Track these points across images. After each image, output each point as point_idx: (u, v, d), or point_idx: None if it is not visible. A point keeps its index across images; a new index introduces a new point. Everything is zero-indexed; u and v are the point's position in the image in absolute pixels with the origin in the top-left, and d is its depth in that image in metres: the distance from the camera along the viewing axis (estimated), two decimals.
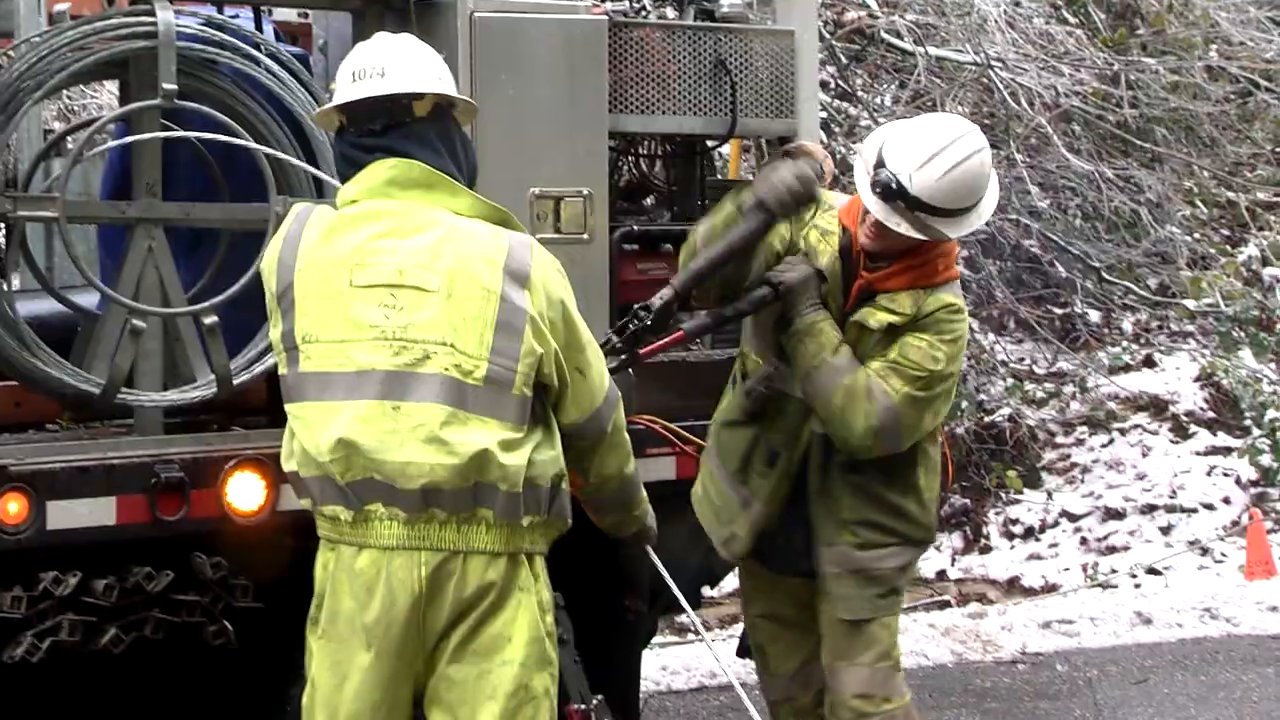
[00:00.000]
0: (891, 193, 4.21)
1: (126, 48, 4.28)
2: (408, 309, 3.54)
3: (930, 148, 4.22)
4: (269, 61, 4.42)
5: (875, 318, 4.32)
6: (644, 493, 4.05)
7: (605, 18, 4.76)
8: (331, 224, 3.62)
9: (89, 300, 4.69)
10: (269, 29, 4.85)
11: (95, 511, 4.09)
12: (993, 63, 11.60)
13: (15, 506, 3.99)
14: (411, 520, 3.54)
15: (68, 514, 4.06)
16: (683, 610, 7.02)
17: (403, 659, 3.58)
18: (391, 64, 3.66)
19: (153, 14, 4.27)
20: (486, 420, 3.55)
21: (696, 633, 8.50)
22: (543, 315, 3.61)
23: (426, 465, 3.51)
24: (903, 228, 4.22)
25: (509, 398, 3.57)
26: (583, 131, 4.59)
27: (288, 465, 3.62)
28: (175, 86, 4.25)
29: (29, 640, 4.06)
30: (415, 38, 3.80)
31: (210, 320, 4.33)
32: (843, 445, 4.33)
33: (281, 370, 3.63)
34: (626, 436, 3.89)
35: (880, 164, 4.24)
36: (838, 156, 11.10)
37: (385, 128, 3.63)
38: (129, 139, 4.35)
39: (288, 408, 3.60)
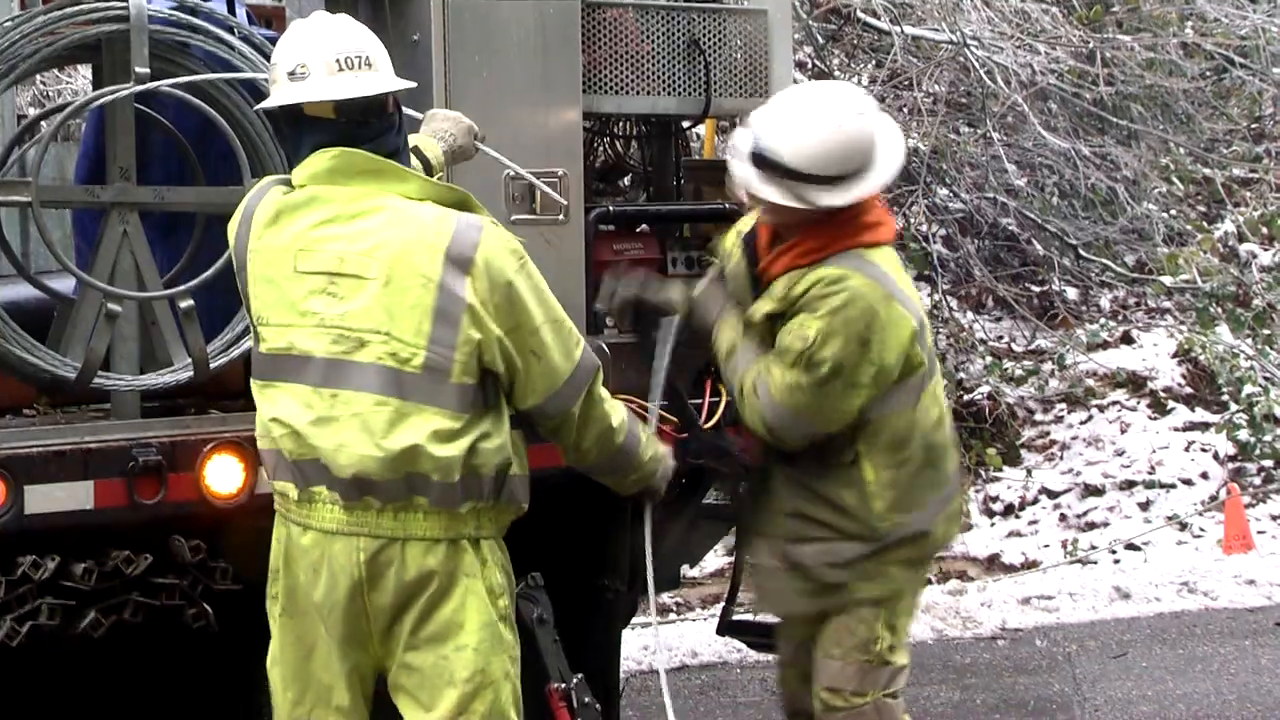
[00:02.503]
0: (761, 160, 4.13)
1: (98, 31, 4.27)
2: (346, 297, 3.56)
3: (801, 114, 4.13)
4: (241, 45, 4.42)
5: (758, 309, 4.27)
6: (642, 456, 3.98)
7: None
8: (278, 207, 3.64)
9: (65, 285, 4.68)
10: (241, 12, 4.84)
11: (73, 495, 4.09)
12: (969, 41, 11.61)
13: None
14: (349, 506, 3.58)
15: (45, 498, 4.06)
16: (663, 590, 7.07)
17: (353, 640, 3.65)
18: (373, 52, 3.68)
19: None
20: (424, 409, 3.56)
21: (676, 612, 8.53)
22: (484, 302, 3.58)
23: (356, 455, 3.55)
24: (774, 196, 4.13)
25: (448, 386, 3.57)
26: (557, 113, 4.59)
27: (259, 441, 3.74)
28: (148, 70, 4.24)
29: (8, 624, 4.06)
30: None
31: (186, 304, 4.33)
32: (771, 443, 4.32)
33: (252, 344, 3.78)
34: (606, 410, 3.84)
35: (757, 134, 4.16)
36: None
37: (379, 121, 3.65)
38: (145, 121, 4.35)
39: (251, 382, 3.73)
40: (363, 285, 3.57)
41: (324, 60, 3.61)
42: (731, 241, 4.48)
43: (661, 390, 4.49)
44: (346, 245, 3.58)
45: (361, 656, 3.68)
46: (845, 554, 4.32)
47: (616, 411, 3.88)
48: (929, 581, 9.25)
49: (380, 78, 3.66)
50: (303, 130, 3.65)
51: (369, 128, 3.64)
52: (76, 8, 4.25)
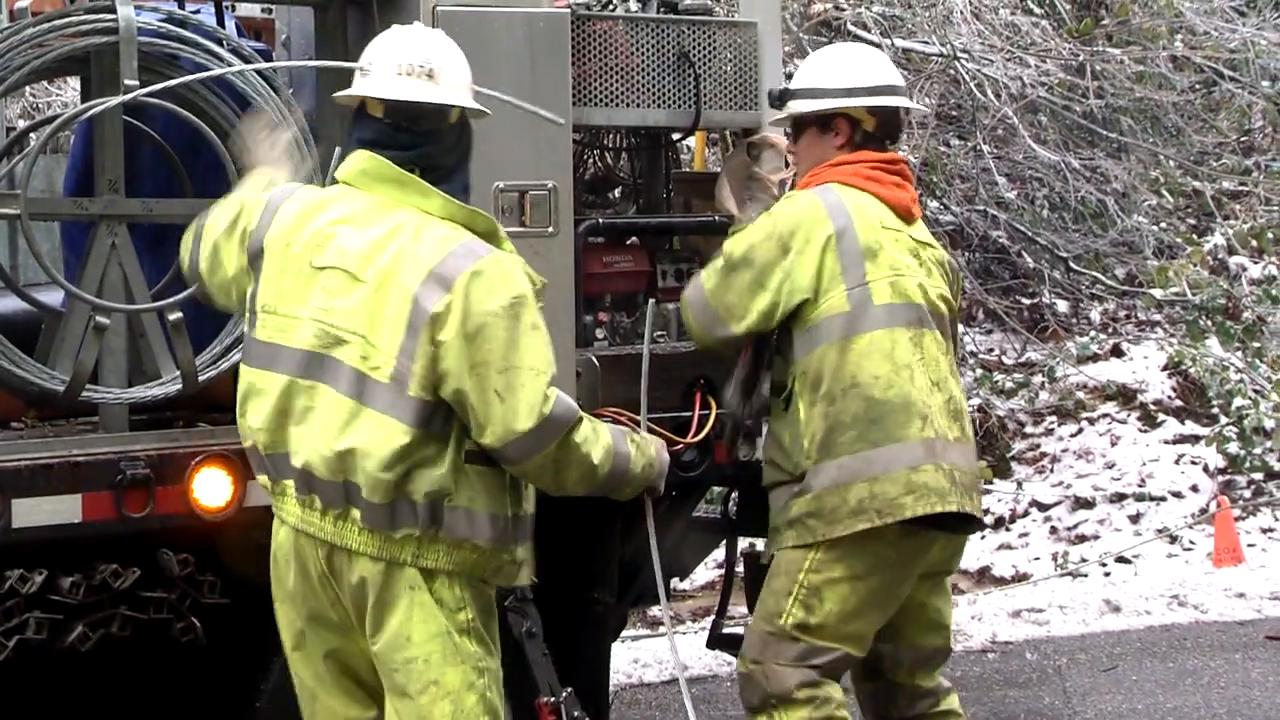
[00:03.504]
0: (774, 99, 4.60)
1: (87, 44, 4.25)
2: (338, 294, 3.68)
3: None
4: (231, 57, 4.40)
5: None
6: (633, 471, 3.99)
7: (568, 10, 4.75)
8: (308, 202, 3.79)
9: (53, 298, 4.67)
10: (231, 24, 4.83)
11: (61, 509, 4.08)
12: (959, 54, 11.64)
13: None
14: (302, 502, 3.71)
15: (33, 511, 4.04)
16: (654, 602, 7.06)
17: (331, 630, 3.78)
18: (441, 67, 3.80)
19: (113, 10, 4.24)
20: (378, 417, 3.63)
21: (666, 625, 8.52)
22: (452, 325, 3.61)
23: (309, 449, 3.67)
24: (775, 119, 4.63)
25: (406, 399, 3.62)
26: (546, 125, 4.58)
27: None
28: (137, 82, 4.23)
29: None
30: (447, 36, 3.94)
31: (175, 316, 4.32)
32: (694, 342, 4.57)
33: (245, 328, 3.86)
34: (586, 452, 3.81)
35: None
36: None
37: (426, 132, 3.77)
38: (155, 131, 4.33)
39: (241, 367, 3.85)
40: (354, 286, 3.67)
41: (390, 62, 3.77)
42: None
43: (647, 379, 4.54)
44: (350, 245, 3.69)
45: (341, 642, 3.79)
46: (786, 494, 4.43)
47: (598, 446, 3.85)
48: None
49: (434, 88, 3.76)
50: (355, 125, 3.83)
51: (410, 134, 3.75)
52: (65, 20, 4.23)
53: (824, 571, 4.37)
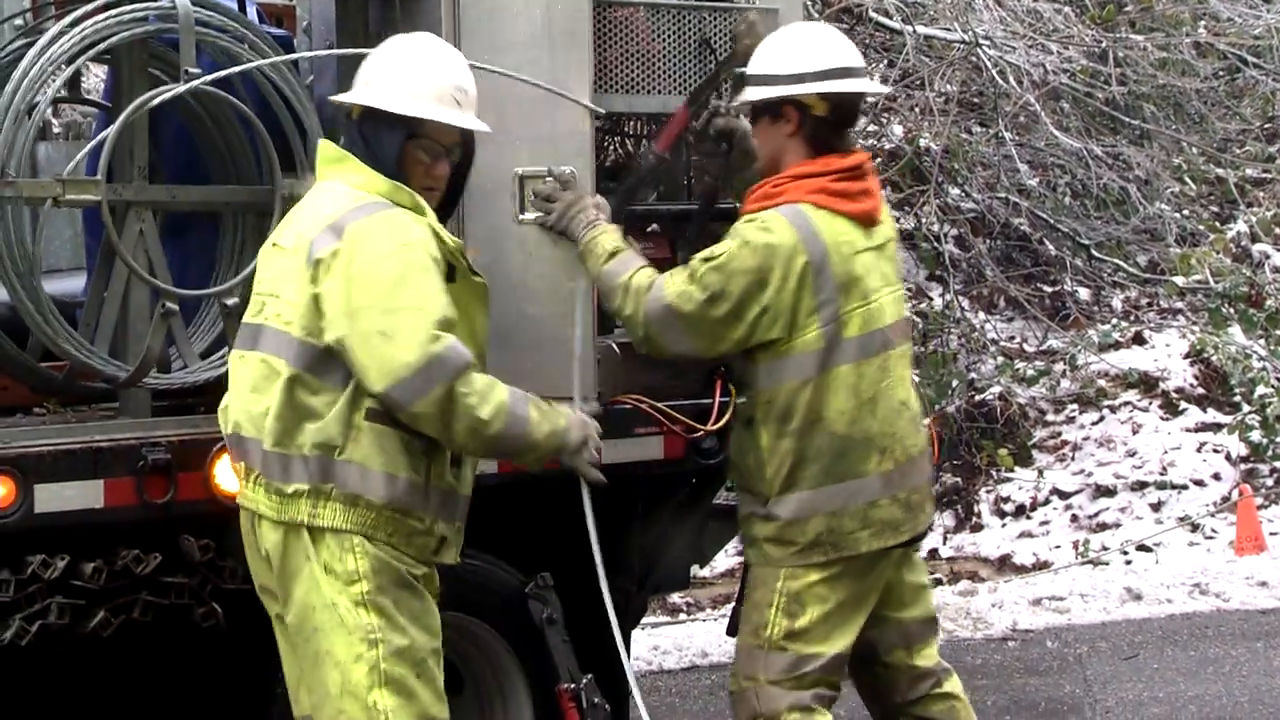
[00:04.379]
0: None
1: (143, 31, 4.29)
2: (266, 263, 3.93)
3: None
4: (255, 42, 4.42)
5: None
6: (533, 436, 3.90)
7: None
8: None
9: (76, 283, 4.70)
10: (252, 10, 4.84)
11: (83, 494, 4.10)
12: (981, 41, 11.59)
13: (2, 490, 4.00)
14: (237, 473, 3.91)
15: (55, 497, 4.06)
16: (673, 589, 7.07)
17: (271, 599, 3.94)
18: (375, 78, 4.03)
19: None
20: (284, 365, 3.76)
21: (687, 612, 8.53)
22: (340, 267, 3.72)
23: (237, 409, 3.84)
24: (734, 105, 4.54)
25: (295, 341, 3.75)
26: (566, 111, 4.57)
27: None
28: (199, 70, 4.28)
29: (17, 623, 4.06)
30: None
31: (232, 301, 4.36)
32: (636, 345, 4.42)
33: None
34: (472, 403, 3.76)
35: None
36: None
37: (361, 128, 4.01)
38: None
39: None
40: (278, 253, 3.89)
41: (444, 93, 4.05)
42: None
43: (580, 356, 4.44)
44: (290, 219, 3.95)
45: (279, 609, 3.93)
46: (748, 507, 4.47)
47: (489, 400, 3.79)
48: (940, 582, 9.24)
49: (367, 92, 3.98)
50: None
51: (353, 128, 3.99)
52: (121, 8, 4.25)
53: (801, 578, 4.38)
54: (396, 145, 3.90)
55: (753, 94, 4.44)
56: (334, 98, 4.10)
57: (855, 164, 4.45)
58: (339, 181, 3.89)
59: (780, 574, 4.39)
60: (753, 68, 4.46)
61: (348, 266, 3.72)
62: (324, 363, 3.76)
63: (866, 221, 4.44)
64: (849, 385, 4.34)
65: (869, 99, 4.83)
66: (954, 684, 4.66)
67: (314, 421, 3.75)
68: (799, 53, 4.41)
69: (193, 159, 4.61)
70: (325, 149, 4.00)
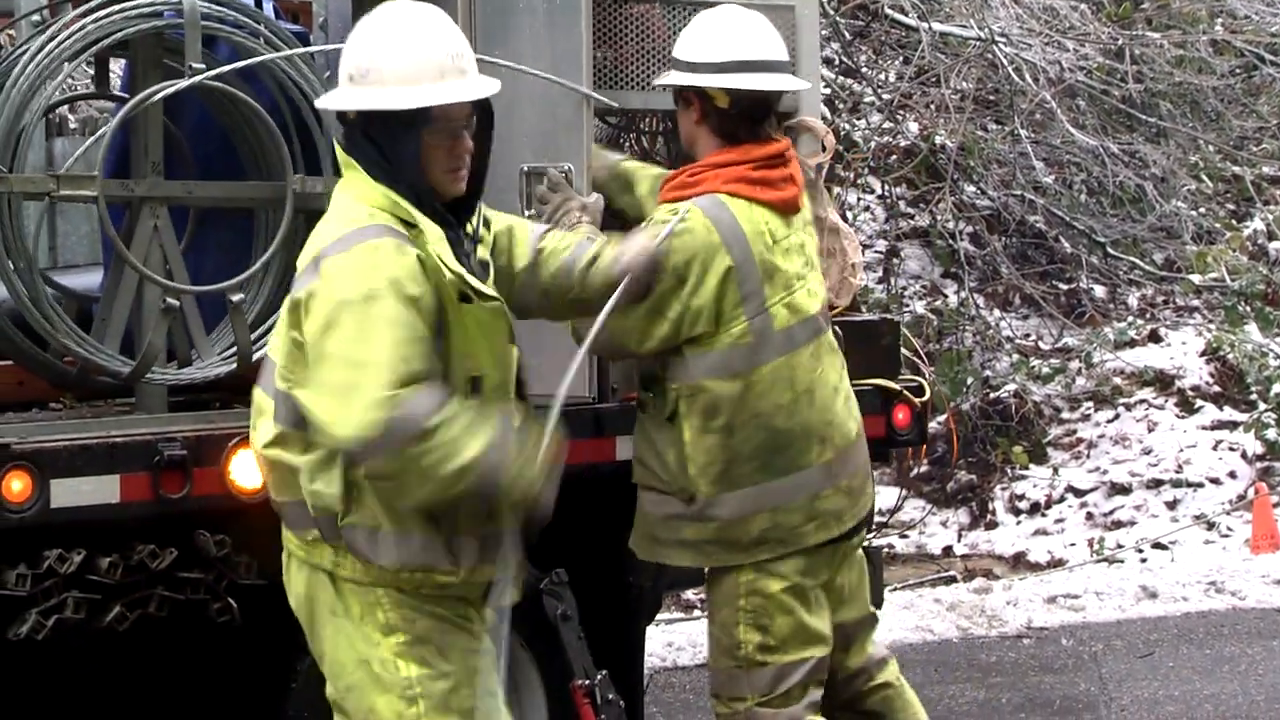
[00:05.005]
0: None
1: (148, 26, 4.30)
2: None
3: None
4: (270, 38, 4.43)
5: None
6: (511, 470, 3.50)
7: None
8: None
9: (92, 279, 4.70)
10: (269, 6, 4.84)
11: (99, 489, 4.09)
12: (997, 38, 11.58)
13: (19, 485, 3.99)
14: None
15: (71, 492, 4.06)
16: (686, 587, 7.05)
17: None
18: (363, 69, 3.56)
19: None
20: (270, 413, 3.59)
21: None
22: (313, 310, 3.43)
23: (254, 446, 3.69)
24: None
25: (279, 392, 3.54)
26: (562, 106, 4.55)
27: None
28: (204, 65, 4.28)
29: (34, 618, 4.06)
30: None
31: (238, 297, 4.36)
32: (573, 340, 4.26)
33: None
34: (431, 463, 3.40)
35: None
36: (841, 133, 11.09)
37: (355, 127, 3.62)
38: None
39: None
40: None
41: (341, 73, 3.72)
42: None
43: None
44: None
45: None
46: (669, 508, 4.32)
47: (454, 457, 3.41)
48: (954, 579, 9.23)
49: (350, 92, 3.62)
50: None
51: (355, 130, 3.60)
52: (131, 3, 4.27)
53: (760, 591, 4.31)
54: (415, 142, 3.51)
55: (665, 77, 4.39)
56: (326, 103, 3.72)
57: (775, 152, 4.35)
58: (343, 193, 3.60)
59: (740, 589, 4.32)
60: (674, 51, 4.40)
61: (321, 310, 3.42)
62: (295, 412, 3.53)
63: (787, 209, 4.35)
64: (784, 378, 4.27)
65: (788, 93, 4.59)
66: (888, 671, 4.57)
67: (309, 482, 3.49)
68: (707, 41, 4.30)
69: (210, 153, 4.61)
70: (339, 154, 3.65)
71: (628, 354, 4.33)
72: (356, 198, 3.53)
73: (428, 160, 3.54)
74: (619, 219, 4.58)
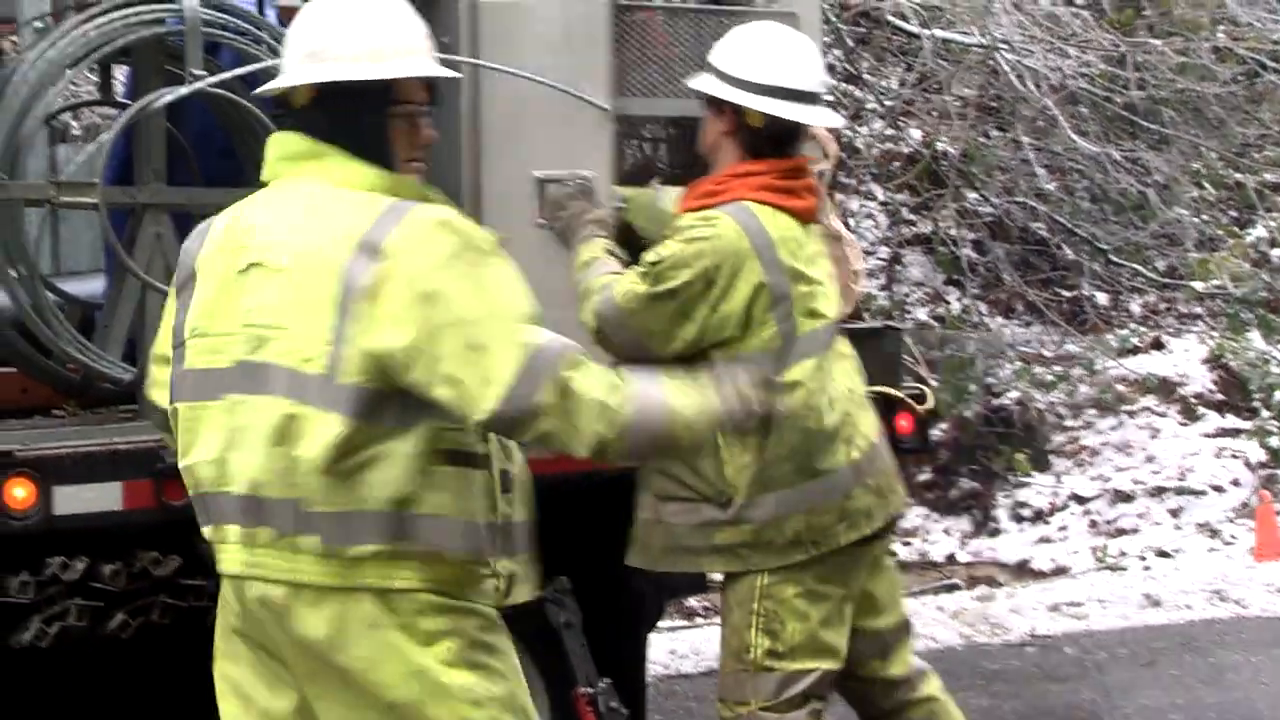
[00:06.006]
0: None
1: (151, 33, 4.30)
2: (259, 290, 3.20)
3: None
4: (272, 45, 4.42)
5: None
6: (681, 406, 3.26)
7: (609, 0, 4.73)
8: (236, 210, 3.35)
9: (94, 286, 4.70)
10: (271, 14, 4.84)
11: (101, 496, 4.09)
12: (999, 45, 11.57)
13: (22, 492, 3.98)
14: (248, 540, 3.19)
15: (74, 499, 4.05)
16: (692, 593, 7.05)
17: (276, 681, 3.27)
18: (334, 41, 3.28)
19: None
20: (321, 415, 3.12)
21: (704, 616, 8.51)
22: (393, 294, 3.11)
23: (251, 465, 3.16)
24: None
25: (344, 388, 3.11)
26: (584, 115, 4.56)
27: None
28: (205, 72, 4.28)
29: (37, 625, 4.06)
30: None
31: None
32: (596, 345, 4.23)
33: (174, 368, 3.32)
34: (589, 393, 3.15)
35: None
36: (843, 140, 11.09)
37: (335, 111, 3.28)
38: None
39: (172, 409, 3.32)
40: (274, 277, 3.19)
41: (294, 51, 3.34)
42: None
43: None
44: (267, 236, 3.22)
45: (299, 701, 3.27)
46: (701, 516, 4.32)
47: (610, 384, 3.19)
48: (957, 587, 9.22)
49: (332, 66, 3.28)
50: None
51: (325, 113, 3.28)
52: (133, 9, 4.27)
53: (775, 595, 4.32)
54: (383, 120, 3.27)
55: (701, 83, 4.42)
56: (275, 86, 3.33)
57: (797, 165, 4.42)
58: (316, 181, 3.25)
59: (755, 592, 4.33)
60: (712, 57, 4.42)
61: (407, 289, 3.11)
62: (380, 405, 3.15)
63: (808, 218, 4.42)
64: (811, 380, 4.30)
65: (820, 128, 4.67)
66: (931, 685, 4.60)
67: (377, 473, 3.15)
68: (754, 59, 4.35)
69: (213, 160, 4.62)
70: (288, 142, 3.29)
71: (652, 356, 4.28)
72: (342, 183, 3.24)
73: (391, 144, 3.31)
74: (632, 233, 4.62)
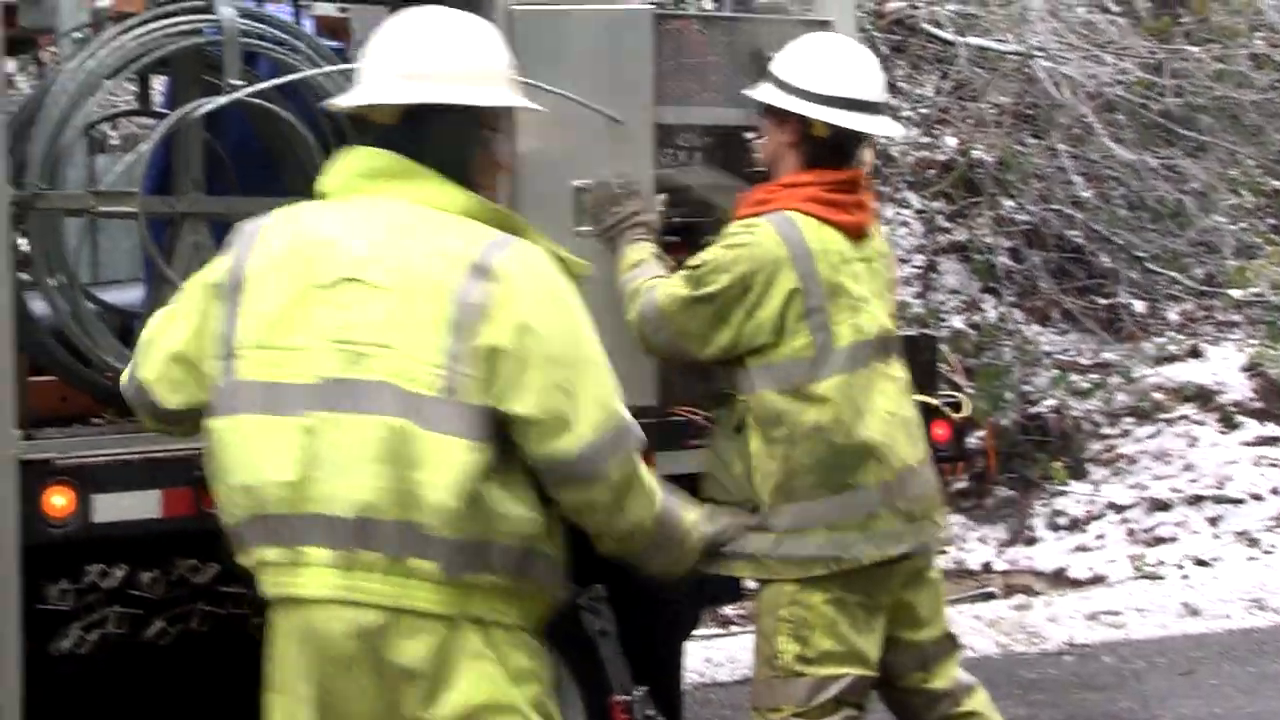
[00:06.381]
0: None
1: (191, 43, 4.34)
2: (355, 307, 3.11)
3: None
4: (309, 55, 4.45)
5: None
6: (683, 525, 3.46)
7: (649, 8, 4.73)
8: (297, 220, 3.26)
9: (133, 294, 4.72)
10: (308, 23, 4.87)
11: (140, 504, 4.11)
12: (1035, 53, 11.55)
13: (61, 500, 4.01)
14: (345, 564, 3.07)
15: (113, 507, 4.08)
16: (727, 601, 7.04)
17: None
18: (448, 62, 3.29)
19: (210, 10, 4.34)
20: (439, 437, 3.05)
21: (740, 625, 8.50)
22: (507, 319, 3.08)
23: (356, 487, 3.05)
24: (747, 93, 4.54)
25: (466, 409, 3.06)
26: (626, 125, 4.58)
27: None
28: (243, 81, 4.32)
29: (76, 632, 4.09)
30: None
31: None
32: (638, 347, 4.41)
33: (215, 381, 3.21)
34: (643, 479, 3.25)
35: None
36: (879, 148, 11.07)
37: (437, 130, 3.27)
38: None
39: (215, 424, 3.20)
40: (374, 294, 3.12)
41: (392, 65, 3.30)
42: None
43: None
44: (359, 251, 3.15)
45: None
46: (730, 521, 4.30)
47: (652, 487, 3.32)
48: (993, 596, 9.18)
49: (441, 87, 3.27)
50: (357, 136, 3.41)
51: (421, 133, 3.25)
52: (171, 20, 4.30)
53: (802, 603, 4.34)
54: (475, 144, 3.29)
55: (764, 94, 4.46)
56: (364, 100, 3.26)
57: (850, 177, 4.46)
58: (400, 200, 3.19)
59: (783, 599, 4.35)
60: (775, 67, 4.47)
61: (515, 316, 3.09)
62: (493, 434, 3.09)
63: (855, 233, 4.44)
64: (842, 394, 4.33)
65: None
66: (976, 700, 4.60)
67: (509, 504, 3.11)
68: (821, 70, 4.40)
69: (251, 170, 4.64)
70: (374, 159, 3.24)
71: (689, 358, 4.42)
72: (436, 205, 3.20)
73: (481, 171, 3.34)
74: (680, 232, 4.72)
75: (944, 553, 9.96)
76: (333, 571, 3.08)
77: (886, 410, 4.41)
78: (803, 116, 4.38)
